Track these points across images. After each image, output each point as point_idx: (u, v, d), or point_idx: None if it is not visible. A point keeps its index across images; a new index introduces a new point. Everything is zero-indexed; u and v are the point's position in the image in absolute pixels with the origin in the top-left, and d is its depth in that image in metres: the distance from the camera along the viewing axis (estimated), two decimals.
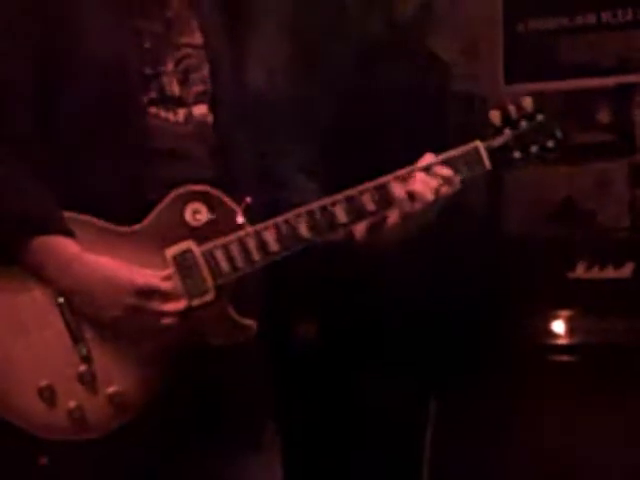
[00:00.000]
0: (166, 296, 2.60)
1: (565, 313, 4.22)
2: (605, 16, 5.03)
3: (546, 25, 5.17)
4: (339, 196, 2.69)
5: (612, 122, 4.94)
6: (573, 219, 4.86)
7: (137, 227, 2.65)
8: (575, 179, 4.91)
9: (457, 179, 2.72)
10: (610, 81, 4.95)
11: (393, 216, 2.72)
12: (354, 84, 5.17)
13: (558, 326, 4.22)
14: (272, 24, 2.87)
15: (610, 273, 4.17)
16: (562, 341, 4.23)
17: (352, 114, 4.99)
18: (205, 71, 2.81)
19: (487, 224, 4.86)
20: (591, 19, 5.07)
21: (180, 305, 2.60)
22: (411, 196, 2.68)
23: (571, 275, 4.20)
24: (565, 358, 4.22)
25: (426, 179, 2.70)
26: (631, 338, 4.05)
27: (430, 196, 2.68)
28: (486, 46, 5.33)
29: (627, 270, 4.15)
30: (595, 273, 4.20)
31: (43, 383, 2.58)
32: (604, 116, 4.96)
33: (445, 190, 2.71)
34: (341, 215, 2.69)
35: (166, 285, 2.60)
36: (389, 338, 4.57)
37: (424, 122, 5.02)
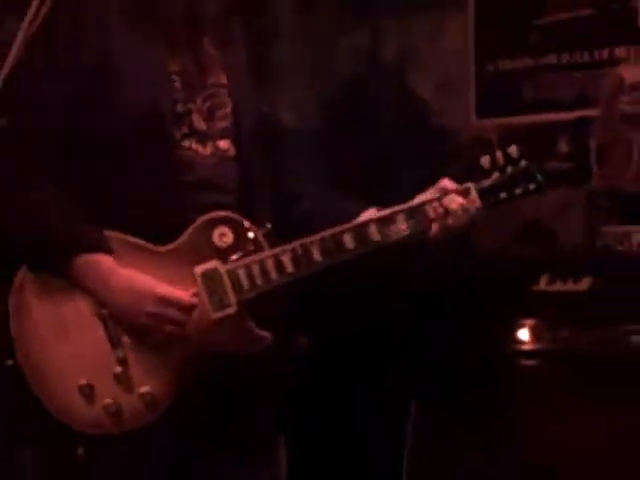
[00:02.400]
0: (187, 308, 2.64)
1: (530, 322, 4.23)
2: (564, 57, 5.08)
3: (512, 65, 5.22)
4: (347, 225, 2.72)
5: (571, 152, 4.96)
6: (537, 239, 4.89)
7: (170, 246, 2.69)
8: (539, 203, 4.94)
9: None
10: (569, 115, 4.99)
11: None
12: (346, 116, 5.22)
13: (524, 334, 4.23)
14: (285, 69, 2.90)
15: (570, 287, 4.19)
16: (527, 347, 4.23)
17: (347, 143, 5.03)
18: (228, 108, 2.83)
19: (462, 244, 4.87)
20: (552, 60, 5.12)
21: (198, 316, 2.63)
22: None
23: (535, 288, 4.21)
24: (530, 362, 4.23)
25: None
26: (588, 344, 4.06)
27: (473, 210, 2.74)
28: (459, 84, 5.36)
29: (584, 284, 4.16)
30: (556, 287, 4.21)
31: (83, 381, 2.62)
32: (564, 146, 4.98)
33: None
34: (349, 242, 2.70)
35: (189, 299, 2.64)
36: (374, 347, 4.60)
37: (407, 150, 5.07)
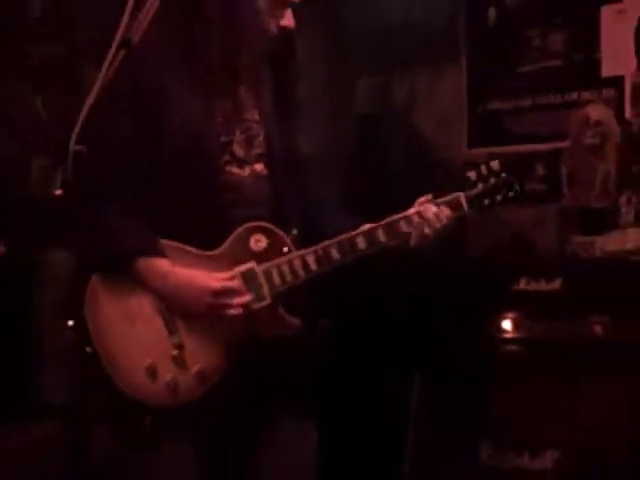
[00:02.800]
0: (233, 293, 2.66)
1: (511, 315, 4.22)
2: (541, 99, 5.07)
3: (498, 106, 5.21)
4: (360, 230, 2.75)
5: (546, 175, 4.95)
6: (518, 247, 4.89)
7: (214, 252, 2.71)
8: (520, 217, 4.94)
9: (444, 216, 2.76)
10: (545, 147, 4.98)
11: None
12: (362, 149, 5.23)
13: (506, 324, 4.22)
14: (306, 106, 2.90)
15: (544, 286, 4.17)
16: (509, 335, 4.22)
17: (362, 172, 5.05)
18: (261, 138, 2.83)
19: (458, 250, 4.87)
20: (530, 101, 5.10)
21: (245, 299, 2.66)
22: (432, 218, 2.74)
23: (516, 287, 4.21)
24: (512, 348, 4.22)
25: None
26: (559, 333, 4.05)
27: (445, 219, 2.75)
28: (455, 121, 5.36)
29: (556, 284, 4.15)
30: (533, 286, 4.20)
31: (148, 362, 2.65)
32: (540, 171, 4.96)
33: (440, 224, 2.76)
34: (361, 243, 2.73)
35: (233, 284, 2.66)
36: (385, 332, 4.60)
37: (411, 174, 5.08)
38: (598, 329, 4.03)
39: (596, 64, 4.90)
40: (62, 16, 4.89)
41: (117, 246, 2.66)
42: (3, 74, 4.67)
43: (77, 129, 2.38)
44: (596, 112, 4.67)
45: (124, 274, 2.67)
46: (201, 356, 2.67)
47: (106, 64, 2.44)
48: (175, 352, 2.66)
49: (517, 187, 2.79)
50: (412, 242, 2.77)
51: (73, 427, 2.61)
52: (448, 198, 2.78)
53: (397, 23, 5.44)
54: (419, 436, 4.33)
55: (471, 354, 4.22)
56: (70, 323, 2.57)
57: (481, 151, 5.18)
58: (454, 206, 2.77)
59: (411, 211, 2.79)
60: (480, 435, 4.13)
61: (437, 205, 2.77)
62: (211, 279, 2.66)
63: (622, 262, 4.27)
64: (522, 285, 4.22)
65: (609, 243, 4.45)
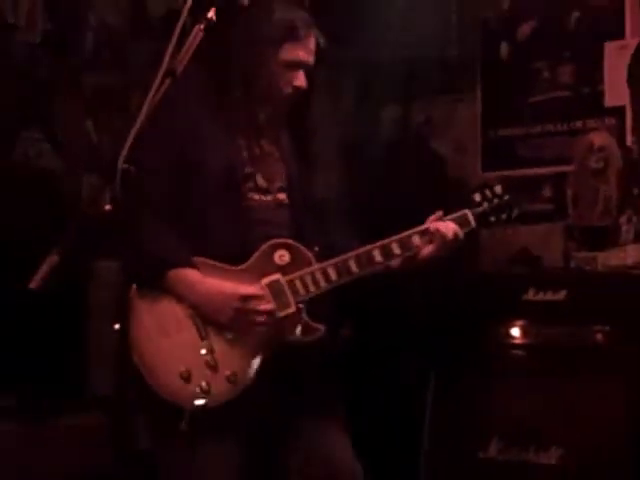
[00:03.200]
0: (261, 299, 2.65)
1: (520, 322, 4.20)
2: (549, 127, 5.06)
3: (509, 132, 5.20)
4: (375, 244, 2.76)
5: (553, 196, 4.95)
6: (527, 261, 4.86)
7: (242, 266, 2.72)
8: (528, 234, 4.92)
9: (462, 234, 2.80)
10: (552, 170, 4.97)
11: (426, 250, 2.79)
12: (383, 173, 5.23)
13: (515, 331, 4.20)
14: (323, 150, 2.94)
15: (550, 297, 4.16)
16: (518, 341, 4.20)
17: (382, 193, 5.04)
18: (283, 173, 2.87)
19: (470, 264, 4.87)
20: (540, 129, 5.09)
21: (270, 306, 2.66)
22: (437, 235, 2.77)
23: (525, 297, 4.19)
24: (520, 352, 4.21)
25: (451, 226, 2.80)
26: (563, 340, 4.04)
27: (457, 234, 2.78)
28: (470, 146, 5.35)
29: (561, 295, 4.13)
30: (540, 296, 4.19)
31: (183, 368, 2.63)
32: (548, 192, 4.96)
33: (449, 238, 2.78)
34: (377, 256, 2.75)
35: (260, 291, 2.66)
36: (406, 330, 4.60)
37: (430, 194, 5.07)
38: (599, 337, 4.01)
39: (600, 95, 4.88)
40: (114, 47, 4.93)
41: (149, 257, 2.67)
42: (59, 100, 4.71)
43: (125, 150, 2.39)
44: (599, 139, 4.65)
45: (156, 284, 2.67)
46: (232, 360, 2.66)
47: (152, 92, 2.44)
48: (207, 357, 2.65)
49: (518, 208, 2.86)
50: (424, 255, 2.80)
51: (117, 418, 2.59)
52: (456, 215, 2.82)
53: (417, 57, 5.43)
54: (434, 433, 4.31)
55: (483, 358, 4.20)
56: (116, 326, 2.57)
57: (494, 174, 5.16)
58: (462, 222, 2.81)
59: (423, 227, 2.81)
60: (491, 432, 4.11)
61: (445, 221, 2.81)
62: (239, 286, 2.66)
63: (622, 276, 4.25)
64: (530, 296, 4.19)
65: (610, 258, 4.43)
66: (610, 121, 4.82)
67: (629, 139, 4.73)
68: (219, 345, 2.67)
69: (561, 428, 3.93)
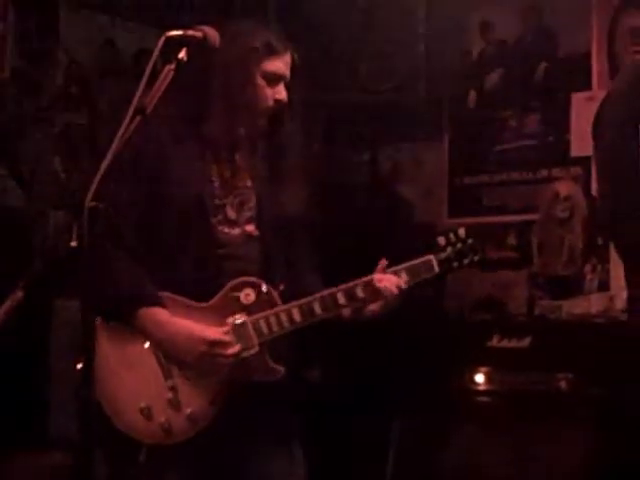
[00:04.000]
0: (226, 344, 2.64)
1: (484, 369, 4.22)
2: (514, 175, 5.10)
3: (475, 180, 5.24)
4: (340, 287, 2.74)
5: (517, 244, 4.97)
6: (492, 307, 4.88)
7: (208, 303, 2.70)
8: (493, 282, 4.94)
9: (404, 285, 2.76)
10: (517, 218, 5.00)
11: (374, 304, 2.77)
12: (351, 216, 5.24)
13: (479, 378, 4.21)
14: (295, 173, 2.90)
15: (514, 343, 4.18)
16: (481, 387, 4.22)
17: (347, 235, 5.04)
18: (252, 203, 2.82)
19: (435, 310, 4.87)
20: (505, 177, 5.13)
21: (235, 350, 2.64)
22: (385, 288, 2.73)
23: (489, 344, 4.21)
24: (484, 399, 4.22)
25: (393, 279, 2.75)
26: (526, 385, 4.05)
27: (395, 290, 2.74)
28: (436, 192, 5.38)
29: (526, 342, 4.15)
30: (504, 343, 4.20)
31: (143, 404, 2.64)
32: (512, 240, 4.99)
33: (404, 287, 2.75)
34: (341, 299, 2.73)
35: (227, 337, 2.65)
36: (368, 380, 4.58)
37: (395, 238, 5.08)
38: (563, 384, 4.02)
39: (566, 145, 4.93)
40: (83, 84, 4.93)
41: (120, 296, 2.65)
42: (27, 136, 4.70)
43: (93, 188, 2.38)
44: (565, 188, 4.70)
45: (125, 322, 2.66)
46: (193, 400, 2.65)
47: (121, 130, 2.44)
48: (169, 395, 2.65)
49: (481, 252, 2.83)
50: (371, 309, 2.78)
51: (79, 457, 2.57)
52: (420, 260, 2.79)
53: (385, 103, 5.47)
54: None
55: (447, 404, 4.21)
56: (79, 366, 2.54)
57: (459, 221, 5.19)
58: (426, 268, 2.79)
59: (373, 275, 2.77)
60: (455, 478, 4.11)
61: (396, 273, 2.77)
62: (206, 330, 2.64)
63: (586, 324, 4.28)
64: (494, 342, 4.21)
65: (575, 307, 4.46)
66: (576, 170, 4.87)
67: (594, 189, 4.77)
68: (181, 383, 2.66)
69: (525, 475, 3.93)
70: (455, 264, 2.81)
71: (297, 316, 2.71)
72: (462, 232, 2.83)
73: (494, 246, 4.88)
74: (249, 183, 2.85)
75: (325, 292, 2.74)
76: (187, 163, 2.75)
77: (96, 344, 2.64)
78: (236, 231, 2.79)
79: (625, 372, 3.82)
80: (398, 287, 2.75)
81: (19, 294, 2.34)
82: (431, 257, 2.79)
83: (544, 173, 5.01)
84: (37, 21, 4.79)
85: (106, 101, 4.90)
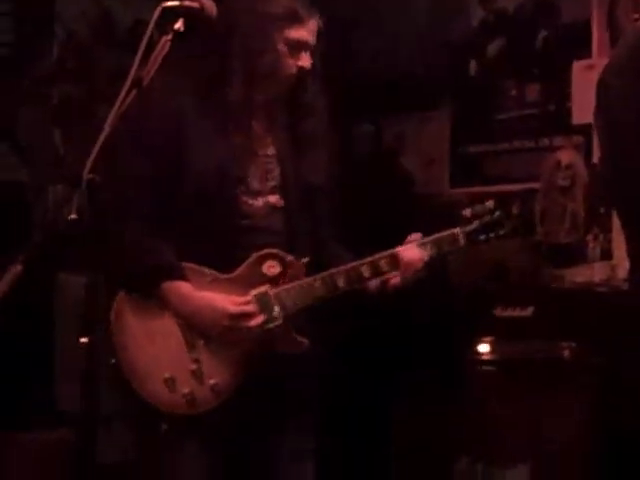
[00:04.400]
0: (249, 316, 2.64)
1: (488, 339, 4.22)
2: (516, 144, 5.08)
3: (477, 149, 5.22)
4: (364, 260, 2.73)
5: (521, 214, 4.93)
6: (496, 275, 4.87)
7: (231, 275, 2.69)
8: (497, 251, 4.92)
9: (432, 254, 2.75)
10: (519, 187, 4.98)
11: (395, 277, 2.75)
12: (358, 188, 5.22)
13: (484, 347, 4.22)
14: (319, 141, 2.88)
15: (517, 312, 4.18)
16: (486, 357, 4.23)
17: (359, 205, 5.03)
18: (276, 172, 2.81)
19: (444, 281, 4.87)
20: (507, 146, 5.11)
21: (258, 321, 2.65)
22: (409, 262, 2.72)
23: (492, 313, 4.21)
24: (488, 368, 4.23)
25: (417, 253, 2.74)
26: (530, 354, 4.06)
27: (419, 264, 2.73)
28: (438, 162, 5.36)
29: (529, 311, 4.16)
30: (508, 312, 4.21)
31: (167, 375, 2.65)
32: (515, 209, 4.95)
33: (426, 260, 2.74)
34: (365, 272, 2.72)
35: (249, 307, 2.65)
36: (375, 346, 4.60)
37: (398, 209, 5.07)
38: (566, 353, 4.03)
39: (567, 113, 4.91)
40: (81, 57, 4.91)
41: (145, 270, 2.67)
42: (25, 111, 4.69)
43: (90, 160, 2.37)
44: (567, 157, 4.69)
45: (148, 293, 2.67)
46: (217, 371, 2.67)
47: (118, 102, 2.43)
48: (193, 367, 2.66)
49: (509, 225, 2.82)
50: (393, 283, 2.76)
51: (83, 433, 2.58)
52: (445, 233, 2.77)
53: (388, 74, 5.45)
54: (402, 449, 4.31)
55: (451, 374, 4.21)
56: (83, 340, 2.54)
57: (462, 190, 5.18)
58: (451, 241, 2.77)
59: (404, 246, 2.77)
60: (458, 449, 4.12)
61: (423, 245, 2.75)
62: (228, 303, 2.64)
63: (589, 293, 4.27)
64: (498, 312, 4.21)
65: (577, 275, 4.46)
66: (577, 139, 4.84)
67: (596, 157, 4.75)
68: (205, 355, 2.67)
69: (528, 444, 3.94)
70: (482, 237, 2.79)
71: (321, 289, 2.70)
72: (490, 204, 2.81)
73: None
74: (271, 151, 2.84)
75: (349, 265, 2.72)
76: (207, 134, 2.73)
77: (121, 315, 2.69)
78: (259, 202, 2.77)
79: (627, 341, 3.84)
80: (421, 260, 2.73)
81: (18, 268, 2.34)
82: (457, 230, 2.76)
83: (545, 142, 4.98)
84: None
85: (103, 73, 4.88)
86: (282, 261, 2.70)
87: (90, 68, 4.92)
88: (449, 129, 5.34)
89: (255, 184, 2.77)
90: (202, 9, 2.58)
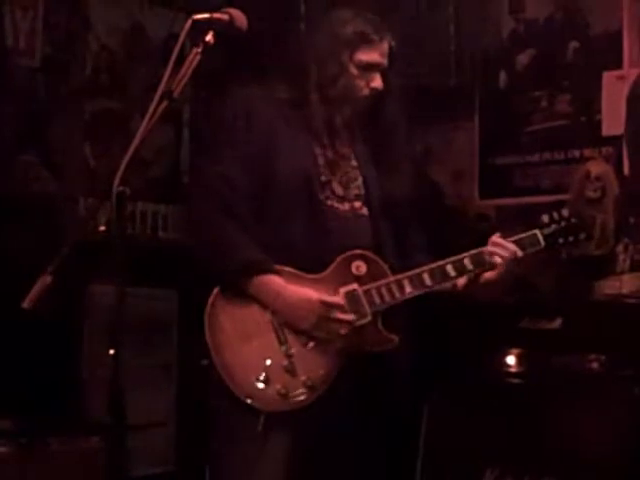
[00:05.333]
0: (342, 308, 2.72)
1: (516, 351, 4.21)
2: (546, 156, 5.06)
3: (506, 161, 5.20)
4: (449, 259, 2.84)
5: None
6: (522, 289, 4.86)
7: (320, 275, 2.78)
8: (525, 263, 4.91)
9: (520, 252, 2.85)
10: (548, 199, 4.97)
11: (488, 274, 2.86)
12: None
13: (511, 359, 4.21)
14: (398, 157, 2.96)
15: (545, 325, 4.17)
16: (514, 370, 4.22)
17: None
18: (359, 181, 2.92)
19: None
20: (537, 158, 5.09)
21: (351, 316, 2.72)
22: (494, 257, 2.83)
23: (520, 325, 4.20)
24: (515, 380, 4.21)
25: (510, 247, 2.84)
26: (558, 366, 4.04)
27: (506, 254, 2.83)
28: (467, 174, 5.35)
29: (557, 323, 4.14)
30: (536, 324, 4.20)
31: (261, 371, 2.71)
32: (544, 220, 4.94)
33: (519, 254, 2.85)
34: (450, 271, 2.82)
35: (341, 300, 2.73)
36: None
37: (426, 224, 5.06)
38: (595, 365, 4.01)
39: (597, 124, 4.89)
40: (114, 71, 4.94)
41: (238, 266, 2.74)
42: (57, 124, 4.72)
43: (120, 172, 2.40)
44: (597, 168, 4.67)
45: (241, 290, 2.75)
46: (309, 367, 2.73)
47: (148, 115, 2.46)
48: (285, 362, 2.73)
49: (586, 231, 2.94)
50: (497, 270, 2.86)
51: (113, 444, 2.59)
52: (525, 235, 2.89)
53: (417, 85, 5.45)
54: (429, 463, 4.29)
55: (479, 386, 4.20)
56: (111, 351, 2.55)
57: (491, 202, 5.17)
58: (532, 242, 2.88)
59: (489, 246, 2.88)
60: (485, 462, 4.10)
61: (509, 242, 2.86)
62: (323, 294, 2.73)
63: (618, 305, 4.26)
64: (526, 324, 4.20)
65: (606, 287, 4.43)
66: (607, 150, 4.83)
67: (626, 168, 4.74)
68: (298, 351, 2.74)
69: (556, 458, 3.91)
70: (561, 240, 2.90)
71: (408, 286, 2.79)
72: (565, 212, 2.92)
73: (525, 227, 4.86)
74: (354, 163, 2.95)
75: (434, 264, 2.82)
76: (293, 142, 2.85)
77: (214, 316, 2.77)
78: (345, 206, 2.88)
79: None
80: (513, 253, 2.83)
81: (48, 279, 2.36)
82: (536, 231, 2.88)
83: (575, 153, 4.96)
84: (67, 7, 4.80)
85: (136, 86, 4.91)
86: (369, 261, 2.79)
87: (123, 82, 4.95)
88: (478, 140, 5.33)
89: (340, 190, 2.88)
90: (232, 21, 2.62)
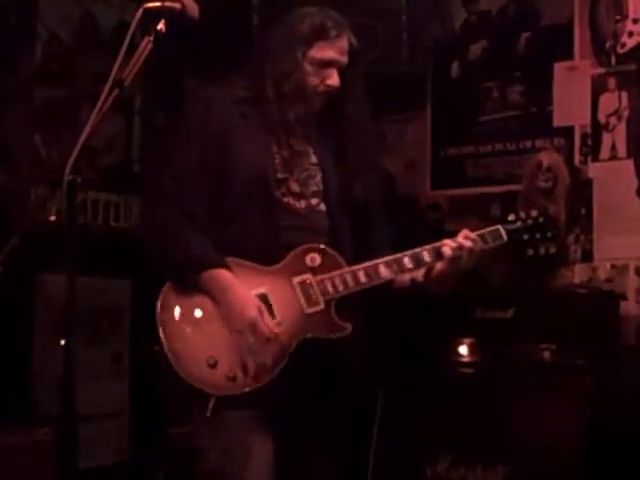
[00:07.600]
0: (263, 327, 2.73)
1: (468, 340, 4.23)
2: (498, 146, 5.09)
3: (458, 152, 5.22)
4: (406, 252, 2.86)
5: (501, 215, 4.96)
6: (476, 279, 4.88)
7: (275, 267, 2.81)
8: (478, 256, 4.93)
9: (479, 245, 2.88)
10: (500, 189, 5.00)
11: (439, 265, 2.87)
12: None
13: (463, 349, 4.23)
14: (358, 153, 2.95)
15: (498, 315, 4.19)
16: (466, 359, 4.24)
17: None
18: (318, 178, 2.93)
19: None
20: (488, 148, 5.12)
21: (275, 329, 2.73)
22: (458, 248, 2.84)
23: (473, 315, 4.22)
24: (467, 370, 4.24)
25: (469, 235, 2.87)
26: (511, 358, 4.07)
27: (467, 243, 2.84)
28: (419, 164, 5.37)
29: (509, 313, 4.16)
30: (488, 314, 4.22)
31: (210, 357, 2.73)
32: (496, 210, 4.98)
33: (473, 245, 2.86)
34: (407, 263, 2.85)
35: (272, 325, 2.74)
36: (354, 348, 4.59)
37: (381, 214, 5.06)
38: (547, 355, 4.04)
39: (549, 115, 4.92)
40: (63, 59, 4.89)
41: (187, 261, 2.77)
42: (7, 113, 4.67)
43: (71, 161, 2.38)
44: (548, 158, 4.70)
45: (192, 284, 2.77)
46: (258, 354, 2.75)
47: (99, 104, 2.44)
48: (235, 349, 2.74)
49: (554, 230, 2.96)
50: (437, 270, 2.89)
51: (63, 436, 2.57)
52: (488, 230, 2.91)
53: (368, 75, 5.45)
54: (382, 449, 4.31)
55: (431, 375, 4.22)
56: (62, 342, 2.53)
57: (443, 193, 5.19)
58: (495, 236, 2.91)
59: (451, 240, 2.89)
60: (438, 449, 4.12)
61: (473, 236, 2.88)
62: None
63: (569, 295, 4.29)
64: (479, 314, 4.22)
65: (558, 277, 4.47)
66: (559, 141, 4.86)
67: (577, 159, 4.77)
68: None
69: (509, 446, 3.94)
70: (525, 236, 2.93)
71: (363, 277, 2.81)
72: (534, 212, 2.95)
73: (477, 217, 4.88)
74: (314, 160, 2.96)
75: (391, 256, 2.84)
76: (249, 139, 2.86)
77: (166, 304, 2.79)
78: (302, 204, 2.89)
79: (607, 342, 3.86)
80: (471, 240, 2.85)
81: None
82: (499, 226, 2.91)
83: (527, 144, 5.00)
84: None
85: (87, 75, 4.86)
86: (324, 254, 2.82)
87: (73, 71, 4.90)
88: (430, 131, 5.35)
89: (296, 187, 2.89)
90: (183, 9, 2.60)
